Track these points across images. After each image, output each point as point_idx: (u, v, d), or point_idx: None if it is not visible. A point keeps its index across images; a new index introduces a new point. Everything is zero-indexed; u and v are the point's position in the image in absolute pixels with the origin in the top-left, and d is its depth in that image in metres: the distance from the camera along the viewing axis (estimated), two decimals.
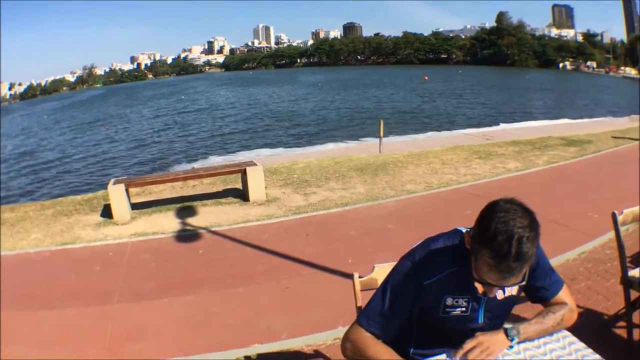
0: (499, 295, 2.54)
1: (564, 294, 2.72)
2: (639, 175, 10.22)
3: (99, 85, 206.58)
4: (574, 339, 2.60)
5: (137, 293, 6.43)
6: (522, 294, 2.72)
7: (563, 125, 24.91)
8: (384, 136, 18.80)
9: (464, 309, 2.54)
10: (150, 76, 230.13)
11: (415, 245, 2.62)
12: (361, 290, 3.06)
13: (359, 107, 47.45)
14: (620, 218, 4.61)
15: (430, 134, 27.48)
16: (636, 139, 16.15)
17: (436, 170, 13.04)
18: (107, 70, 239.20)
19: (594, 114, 34.61)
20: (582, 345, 2.55)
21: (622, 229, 4.53)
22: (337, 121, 38.15)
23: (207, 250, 7.99)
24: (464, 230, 2.55)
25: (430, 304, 2.54)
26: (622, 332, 4.96)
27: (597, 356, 2.45)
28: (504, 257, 2.10)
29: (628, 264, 4.75)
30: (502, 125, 29.61)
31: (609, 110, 37.91)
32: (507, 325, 2.51)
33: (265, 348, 5.10)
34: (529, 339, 2.53)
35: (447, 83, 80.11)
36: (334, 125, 36.02)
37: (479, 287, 2.45)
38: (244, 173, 10.71)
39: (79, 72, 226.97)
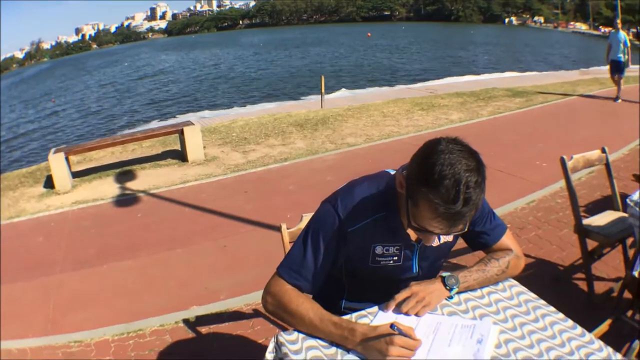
0: (434, 242, 2.23)
1: (507, 239, 2.49)
2: (588, 125, 10.74)
3: (45, 59, 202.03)
4: (522, 288, 2.38)
5: (78, 262, 6.34)
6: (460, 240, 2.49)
7: (510, 79, 24.72)
8: (326, 93, 18.69)
9: (395, 257, 2.32)
10: (95, 46, 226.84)
11: (338, 189, 2.35)
12: (290, 242, 2.92)
13: (301, 66, 47.10)
14: (570, 164, 4.52)
15: (372, 89, 27.27)
16: (560, 94, 16.34)
17: (377, 123, 13.03)
18: (54, 44, 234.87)
19: (543, 68, 34.51)
20: (532, 295, 2.33)
21: (574, 177, 4.54)
22: (278, 81, 37.71)
23: (145, 213, 7.94)
24: (392, 172, 2.31)
25: (358, 254, 2.31)
26: (581, 284, 4.85)
27: (551, 308, 2.23)
28: (452, 203, 1.82)
29: (582, 214, 4.52)
30: (446, 79, 29.27)
31: (558, 64, 37.84)
32: (444, 274, 2.28)
33: (203, 310, 5.02)
34: (471, 289, 2.32)
35: (390, 40, 79.47)
36: (275, 84, 35.61)
37: (412, 234, 2.26)
38: (181, 133, 10.63)
39: (27, 49, 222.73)
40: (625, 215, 4.48)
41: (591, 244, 4.54)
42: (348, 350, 1.99)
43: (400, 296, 2.17)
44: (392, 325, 1.93)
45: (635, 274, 3.57)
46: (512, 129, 11.90)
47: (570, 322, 2.12)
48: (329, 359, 1.96)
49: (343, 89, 27.58)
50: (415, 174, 1.93)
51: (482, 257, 2.43)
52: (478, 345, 1.95)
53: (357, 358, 1.95)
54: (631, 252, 4.11)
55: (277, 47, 78.73)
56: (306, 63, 49.51)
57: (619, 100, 14.49)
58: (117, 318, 4.92)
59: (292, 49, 70.67)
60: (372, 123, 12.98)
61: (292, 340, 2.08)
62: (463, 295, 2.29)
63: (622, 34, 14.62)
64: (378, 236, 2.26)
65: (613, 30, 15.58)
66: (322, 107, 16.58)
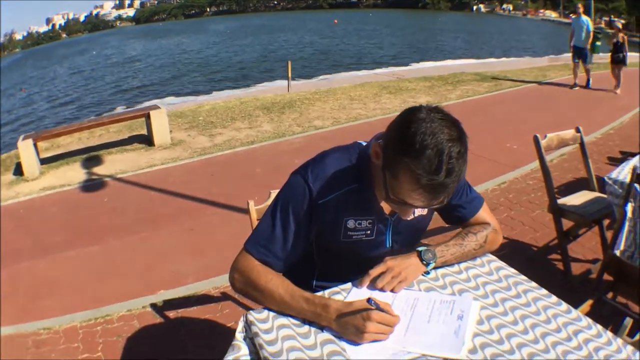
0: (410, 215, 2.13)
1: (484, 213, 2.39)
2: (558, 109, 10.82)
3: (17, 50, 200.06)
4: (501, 263, 2.29)
5: (46, 248, 6.18)
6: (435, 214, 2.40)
7: (479, 64, 24.77)
8: (293, 79, 18.46)
9: (368, 232, 2.19)
10: (64, 36, 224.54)
11: (308, 160, 2.22)
12: (257, 219, 2.72)
13: (268, 52, 46.70)
14: (543, 142, 4.44)
15: (339, 74, 26.99)
16: (529, 80, 16.37)
17: (344, 106, 12.93)
18: (25, 34, 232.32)
19: (512, 54, 34.53)
20: (512, 271, 2.23)
21: (546, 158, 4.37)
22: (245, 67, 37.29)
23: (112, 198, 7.79)
24: (364, 144, 2.20)
25: (330, 228, 2.18)
26: (557, 265, 4.77)
27: (533, 283, 2.13)
28: (435, 174, 1.71)
29: (555, 195, 4.41)
30: (414, 65, 29.15)
31: (527, 51, 37.91)
32: (420, 248, 2.17)
33: (171, 294, 4.91)
34: (448, 264, 2.22)
35: (357, 25, 79.18)
36: (242, 71, 35.19)
37: (385, 207, 2.15)
38: (147, 117, 10.48)
39: (1, 40, 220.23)
40: (602, 195, 4.46)
41: (566, 225, 4.46)
42: (322, 328, 1.86)
43: (374, 271, 2.05)
44: (369, 300, 1.79)
45: (617, 252, 3.47)
46: (481, 112, 11.85)
47: (554, 299, 2.01)
48: (301, 338, 1.83)
49: (310, 75, 27.37)
50: (395, 143, 1.81)
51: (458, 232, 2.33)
52: (459, 321, 1.83)
53: (331, 336, 1.82)
54: (610, 233, 4.00)
55: (245, 34, 78.14)
56: (274, 49, 49.16)
57: (576, 88, 14.56)
58: (85, 304, 4.80)
59: (259, 36, 70.12)
60: (339, 106, 12.88)
61: (262, 319, 1.94)
62: (440, 271, 2.18)
63: (585, 19, 14.47)
64: (350, 209, 2.13)
65: (574, 16, 15.45)
66: (288, 91, 16.43)
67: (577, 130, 4.65)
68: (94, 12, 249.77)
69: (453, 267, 2.21)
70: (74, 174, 9.13)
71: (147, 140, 10.75)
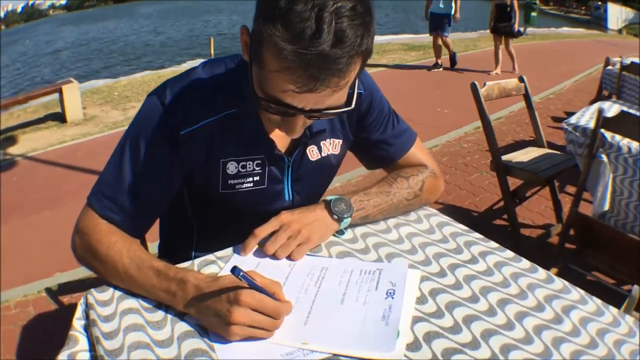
0: (313, 154, 1.59)
1: (418, 151, 1.75)
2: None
3: None
4: (445, 218, 1.65)
5: None
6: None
7: (407, 39, 24.46)
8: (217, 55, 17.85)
9: (257, 178, 1.53)
10: (3, 27, 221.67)
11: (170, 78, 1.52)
12: None
13: (193, 32, 46.41)
14: (483, 91, 3.85)
15: None
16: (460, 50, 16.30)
17: None
18: None
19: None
20: (461, 227, 1.60)
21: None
22: (169, 47, 36.90)
23: (21, 176, 7.47)
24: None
25: (202, 174, 1.51)
26: (504, 230, 4.34)
27: (493, 243, 1.50)
28: (312, 38, 1.05)
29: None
30: None
31: (458, 27, 37.87)
32: (330, 197, 1.51)
33: (67, 276, 4.51)
34: (370, 220, 1.57)
35: None
36: (166, 52, 34.66)
37: (278, 140, 1.50)
38: (60, 93, 10.21)
39: None
40: (552, 151, 4.02)
41: (512, 185, 3.96)
42: (182, 315, 1.18)
43: (263, 230, 1.40)
44: (234, 270, 1.06)
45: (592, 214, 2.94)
46: (410, 79, 11.50)
47: (525, 262, 1.38)
48: (152, 329, 1.14)
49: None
50: (258, 15, 1.15)
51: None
52: (390, 300, 1.18)
53: (191, 328, 1.15)
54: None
55: (174, 16, 77.54)
56: (200, 29, 48.67)
57: (440, 69, 12.17)
58: None
59: (187, 18, 69.59)
60: None
61: (103, 300, 1.25)
62: (359, 229, 1.53)
63: None
64: (229, 147, 1.47)
65: None
66: None
67: (521, 80, 4.12)
68: (30, 2, 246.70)
69: (378, 224, 1.57)
70: None
71: (60, 117, 10.45)
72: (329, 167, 1.67)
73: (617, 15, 32.86)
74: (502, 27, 11.07)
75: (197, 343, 1.08)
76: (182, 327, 1.14)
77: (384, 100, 1.66)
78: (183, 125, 1.39)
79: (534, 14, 14.53)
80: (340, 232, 1.50)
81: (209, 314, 1.11)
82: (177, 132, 1.39)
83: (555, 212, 4.18)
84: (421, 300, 1.19)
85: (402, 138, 1.70)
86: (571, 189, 4.82)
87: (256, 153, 1.49)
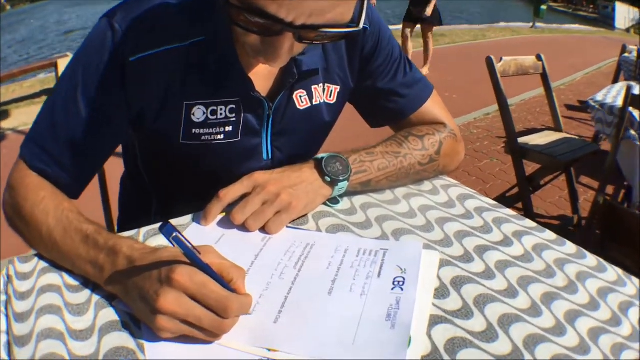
0: (302, 101, 1.24)
1: (436, 106, 1.41)
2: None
3: None
4: (467, 190, 1.30)
5: None
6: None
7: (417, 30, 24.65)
8: None
9: (229, 128, 1.19)
10: (9, 7, 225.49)
11: None
12: None
13: None
14: (499, 66, 3.56)
15: None
16: (469, 39, 15.77)
17: None
18: None
19: (449, 22, 34.66)
20: (488, 202, 1.25)
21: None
22: None
23: (10, 150, 6.99)
24: None
25: (157, 118, 1.17)
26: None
27: (529, 222, 1.17)
28: None
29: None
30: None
31: (466, 19, 38.33)
32: (322, 155, 1.16)
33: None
34: (372, 188, 1.23)
35: None
36: None
37: (257, 79, 1.15)
38: (55, 67, 9.82)
39: None
40: (571, 136, 3.80)
41: (527, 171, 3.71)
42: (112, 299, 0.85)
43: (230, 192, 1.06)
44: (164, 228, 0.73)
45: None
46: (418, 64, 11.11)
47: (571, 246, 1.08)
48: (71, 314, 0.83)
49: None
50: None
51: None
52: (398, 292, 0.85)
53: (118, 318, 0.82)
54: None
55: None
56: None
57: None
58: None
59: None
60: None
61: (23, 273, 0.94)
62: (359, 198, 1.20)
63: None
64: (195, 85, 1.13)
65: None
66: None
67: (539, 58, 3.86)
68: None
69: (383, 193, 1.23)
70: None
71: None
72: (321, 121, 1.33)
73: (624, 15, 33.50)
74: (416, 11, 9.13)
75: (124, 339, 0.77)
76: (108, 314, 0.83)
77: (393, 41, 1.34)
78: (133, 49, 1.07)
79: (544, 7, 14.39)
80: (333, 200, 1.17)
81: (135, 296, 0.79)
82: (124, 57, 1.07)
83: (571, 202, 3.94)
84: (441, 292, 0.88)
85: (416, 88, 1.37)
86: (586, 179, 4.68)
87: (229, 95, 1.16)
